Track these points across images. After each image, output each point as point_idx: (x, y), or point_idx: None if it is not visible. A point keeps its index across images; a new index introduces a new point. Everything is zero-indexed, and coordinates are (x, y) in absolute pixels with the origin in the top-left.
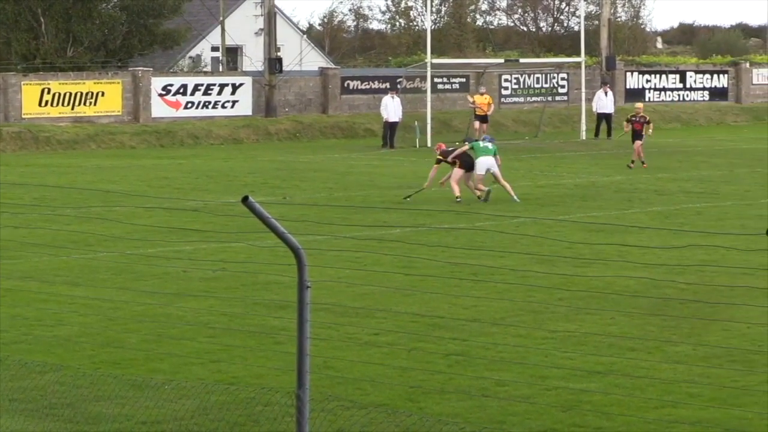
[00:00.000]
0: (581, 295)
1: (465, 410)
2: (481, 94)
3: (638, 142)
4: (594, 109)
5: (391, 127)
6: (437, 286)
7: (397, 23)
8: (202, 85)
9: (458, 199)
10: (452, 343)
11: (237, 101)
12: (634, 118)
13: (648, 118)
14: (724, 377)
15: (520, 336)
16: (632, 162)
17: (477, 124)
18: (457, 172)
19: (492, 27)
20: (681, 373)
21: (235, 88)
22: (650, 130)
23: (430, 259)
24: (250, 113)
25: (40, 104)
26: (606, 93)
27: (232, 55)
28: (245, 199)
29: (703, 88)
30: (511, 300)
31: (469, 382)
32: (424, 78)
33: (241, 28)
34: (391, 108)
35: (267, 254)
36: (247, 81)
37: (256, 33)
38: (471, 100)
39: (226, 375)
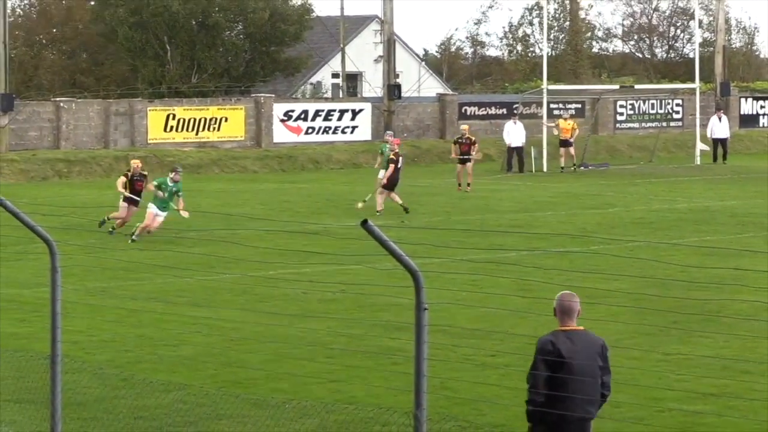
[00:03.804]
0: (695, 318)
1: None
2: (565, 119)
3: (469, 165)
4: (709, 135)
5: (516, 152)
6: (551, 309)
7: (514, 50)
8: (322, 110)
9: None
10: None
11: (356, 127)
12: (460, 140)
13: (474, 139)
14: None
15: (635, 358)
16: (459, 186)
17: (563, 150)
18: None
19: (607, 54)
20: None
21: (354, 113)
22: (476, 152)
23: (546, 282)
24: (369, 138)
25: (165, 129)
26: (720, 118)
27: (352, 82)
28: (364, 223)
29: None
30: (625, 323)
31: None
32: (540, 104)
33: (361, 54)
34: (514, 133)
35: (385, 277)
36: (367, 107)
37: (375, 60)
38: (554, 124)
39: (345, 395)
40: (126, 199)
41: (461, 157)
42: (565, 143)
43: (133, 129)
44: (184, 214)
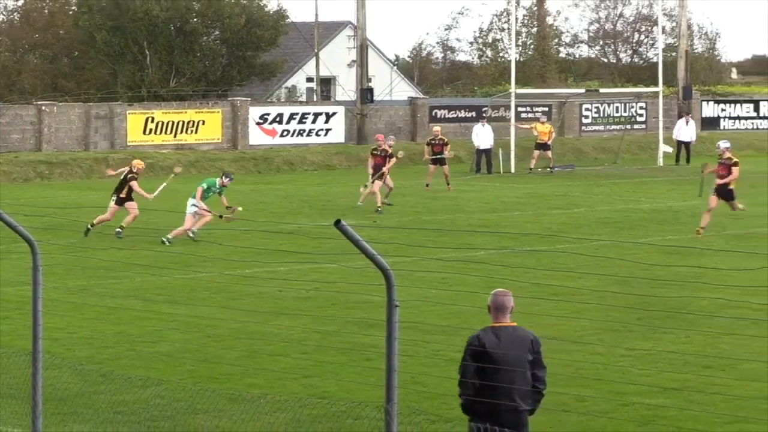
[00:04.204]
0: (658, 315)
1: (545, 425)
2: (543, 123)
3: (445, 166)
4: (675, 137)
5: (484, 154)
6: (520, 306)
7: (484, 55)
8: (297, 114)
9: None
10: None
11: (330, 129)
12: (433, 141)
13: (446, 140)
14: None
15: (599, 354)
16: (428, 186)
17: (536, 153)
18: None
19: (574, 58)
20: (754, 390)
21: (328, 116)
22: (448, 152)
23: (514, 280)
24: (342, 141)
25: (144, 132)
26: (687, 122)
27: (326, 86)
28: (337, 223)
29: None
30: (590, 319)
31: (549, 397)
32: (508, 107)
33: (335, 59)
34: (482, 135)
35: (358, 275)
36: (340, 110)
37: (348, 64)
38: (531, 126)
39: (318, 390)
40: (118, 201)
41: (434, 157)
42: (542, 146)
43: (113, 132)
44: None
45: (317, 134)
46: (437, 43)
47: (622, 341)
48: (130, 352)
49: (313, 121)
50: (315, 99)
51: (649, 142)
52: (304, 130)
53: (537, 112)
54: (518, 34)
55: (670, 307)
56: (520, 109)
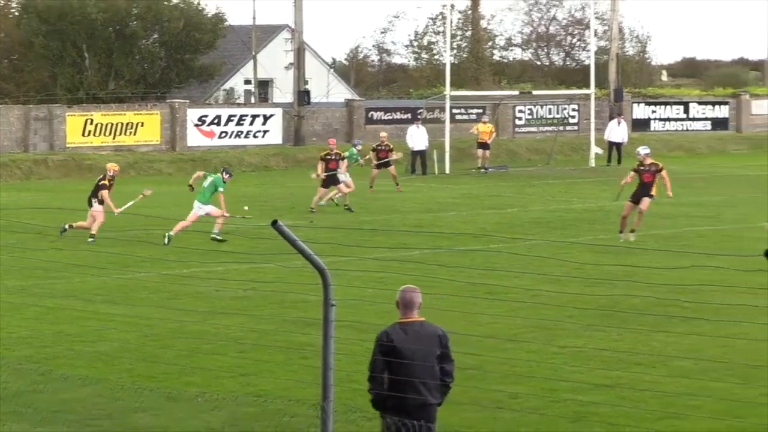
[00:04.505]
0: (590, 313)
1: (479, 421)
2: (484, 123)
3: (392, 168)
4: (606, 137)
5: (419, 155)
6: (455, 305)
7: (419, 58)
8: (235, 116)
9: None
10: (468, 357)
11: (268, 131)
12: (379, 147)
13: (392, 146)
14: (724, 390)
15: (532, 351)
16: (371, 187)
17: (479, 152)
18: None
19: (507, 61)
20: (683, 387)
21: (266, 118)
22: (394, 156)
23: (449, 279)
24: (280, 142)
25: (83, 134)
26: (619, 123)
27: (264, 88)
28: (274, 223)
29: (705, 118)
30: (523, 317)
31: (484, 394)
32: (443, 109)
33: (272, 62)
34: (417, 137)
35: (295, 275)
36: (278, 112)
37: (286, 67)
38: (474, 130)
39: (255, 388)
40: (101, 203)
41: (379, 162)
42: (483, 146)
43: (53, 133)
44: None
45: (255, 136)
46: (373, 46)
47: (555, 339)
48: (69, 351)
49: (251, 123)
50: (253, 101)
51: (581, 144)
52: (241, 132)
53: (471, 113)
54: (453, 37)
55: (602, 306)
56: (454, 110)
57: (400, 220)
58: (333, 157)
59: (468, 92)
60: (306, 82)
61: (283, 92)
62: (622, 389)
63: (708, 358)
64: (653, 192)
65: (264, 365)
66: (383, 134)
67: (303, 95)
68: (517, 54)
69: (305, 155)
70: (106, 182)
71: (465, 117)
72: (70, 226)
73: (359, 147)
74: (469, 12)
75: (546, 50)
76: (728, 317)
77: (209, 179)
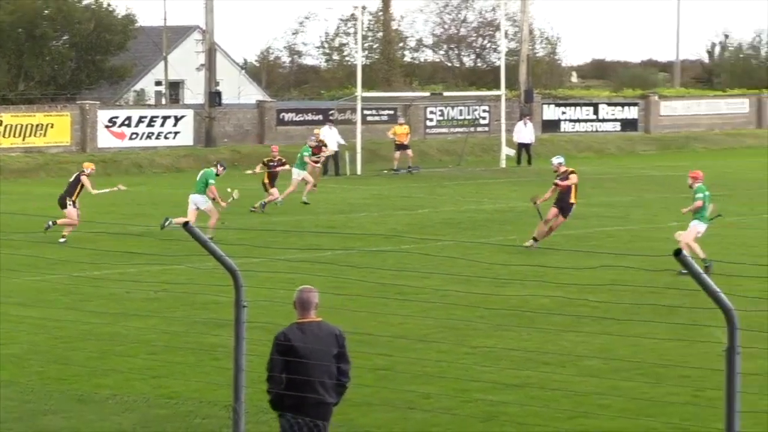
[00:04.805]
0: (500, 313)
1: (390, 421)
2: (400, 125)
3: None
4: (515, 139)
5: (331, 157)
6: (366, 305)
7: (331, 59)
8: (145, 117)
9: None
10: (379, 358)
11: (179, 132)
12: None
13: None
14: (633, 389)
15: (443, 351)
16: (314, 185)
17: (397, 154)
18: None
19: (419, 62)
20: (592, 386)
21: (177, 119)
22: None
23: (360, 280)
24: (191, 143)
25: None
26: (525, 124)
27: (175, 89)
28: (186, 225)
29: (615, 119)
30: (434, 318)
31: (395, 395)
32: (354, 110)
33: (183, 63)
34: (329, 138)
35: (206, 276)
36: (189, 113)
37: (197, 68)
38: (390, 133)
39: (167, 390)
40: (74, 204)
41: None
42: (401, 147)
43: None
44: (236, 194)
45: (166, 137)
46: (285, 47)
47: (466, 339)
48: None
49: (162, 124)
50: (164, 102)
51: (492, 145)
52: (152, 133)
53: (383, 115)
54: (364, 38)
55: (512, 306)
56: (366, 112)
57: (311, 221)
58: (275, 164)
59: (379, 93)
60: (217, 84)
61: (194, 93)
62: (532, 389)
63: (617, 358)
64: (573, 200)
65: (175, 367)
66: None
67: (214, 96)
68: (428, 55)
69: (216, 156)
70: (86, 175)
71: (376, 118)
72: (54, 223)
73: (313, 143)
74: (380, 13)
75: (457, 52)
76: (637, 317)
77: (201, 172)
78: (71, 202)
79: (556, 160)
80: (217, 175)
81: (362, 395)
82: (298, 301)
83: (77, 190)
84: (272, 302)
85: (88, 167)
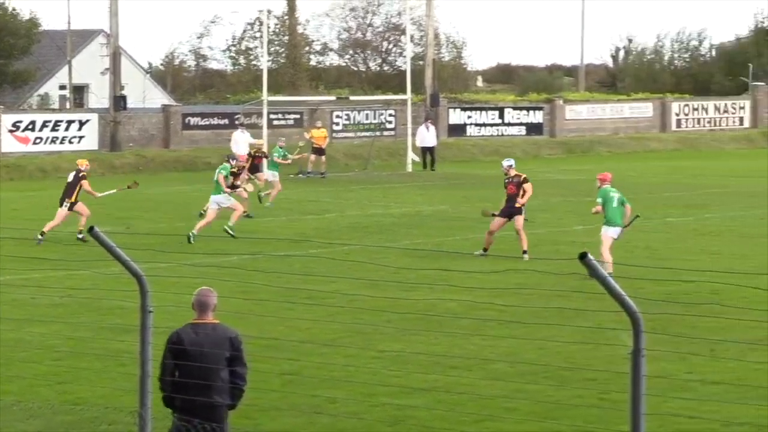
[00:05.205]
0: (407, 317)
1: (298, 426)
2: (318, 128)
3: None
4: (418, 144)
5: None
6: (272, 310)
7: (237, 63)
8: (50, 121)
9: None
10: (286, 362)
11: (83, 137)
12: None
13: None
14: (539, 392)
15: (350, 356)
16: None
17: (313, 157)
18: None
19: (324, 66)
20: (499, 389)
21: (81, 124)
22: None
23: (266, 284)
24: (96, 148)
25: None
26: (428, 128)
27: (79, 93)
28: (91, 230)
29: (520, 123)
30: (341, 322)
31: (302, 399)
32: (260, 114)
33: (88, 67)
34: (242, 142)
35: (112, 281)
36: (93, 117)
37: (102, 72)
38: (308, 135)
39: (72, 396)
40: (71, 207)
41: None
42: (318, 151)
43: None
44: (249, 188)
45: (70, 141)
46: (190, 51)
47: (373, 343)
48: None
49: (66, 129)
50: (68, 106)
51: (399, 149)
52: (57, 138)
53: (289, 119)
54: (270, 42)
55: (419, 309)
56: (272, 116)
57: (218, 225)
58: (238, 172)
59: (285, 97)
60: (122, 88)
61: (99, 97)
62: (439, 392)
63: (524, 361)
64: (519, 204)
65: (81, 373)
66: (259, 142)
67: (119, 100)
68: (334, 59)
69: (121, 161)
70: (84, 173)
71: (282, 122)
72: (42, 234)
73: (282, 143)
74: (286, 17)
75: (363, 56)
76: (543, 320)
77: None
78: (68, 204)
79: (507, 162)
80: (231, 168)
81: (269, 400)
82: (196, 302)
83: (76, 191)
84: (178, 307)
85: (83, 164)
